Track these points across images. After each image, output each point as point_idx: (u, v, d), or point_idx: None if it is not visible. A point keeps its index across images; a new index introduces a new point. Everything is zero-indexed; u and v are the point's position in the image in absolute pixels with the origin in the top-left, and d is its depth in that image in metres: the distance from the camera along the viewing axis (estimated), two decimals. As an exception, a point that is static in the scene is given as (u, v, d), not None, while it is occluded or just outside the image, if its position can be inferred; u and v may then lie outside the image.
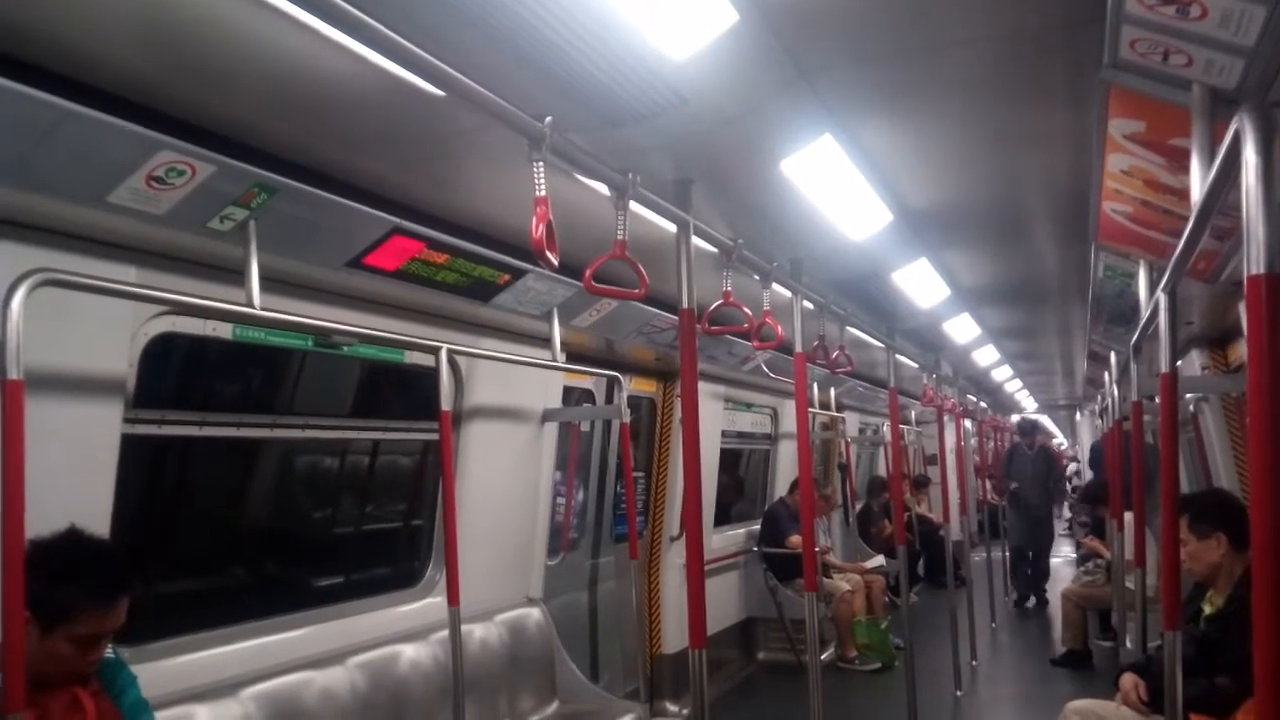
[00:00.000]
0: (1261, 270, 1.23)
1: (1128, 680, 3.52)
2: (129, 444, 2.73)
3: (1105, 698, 3.70)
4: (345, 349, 3.59)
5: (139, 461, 3.05)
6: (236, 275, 2.61)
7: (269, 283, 2.67)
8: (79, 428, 2.53)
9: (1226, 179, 1.49)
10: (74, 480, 2.52)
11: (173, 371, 3.22)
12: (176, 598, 3.52)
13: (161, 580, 3.48)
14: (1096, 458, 8.23)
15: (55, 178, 2.15)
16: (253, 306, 2.60)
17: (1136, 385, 4.14)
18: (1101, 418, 9.22)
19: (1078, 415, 20.55)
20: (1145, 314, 3.39)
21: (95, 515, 2.51)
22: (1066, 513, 14.76)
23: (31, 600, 1.90)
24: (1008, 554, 10.55)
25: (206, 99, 2.25)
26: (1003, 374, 12.11)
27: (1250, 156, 1.27)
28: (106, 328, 2.57)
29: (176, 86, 2.17)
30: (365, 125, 2.50)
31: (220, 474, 3.86)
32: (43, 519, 2.03)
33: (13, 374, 1.90)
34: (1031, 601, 10.20)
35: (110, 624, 2.19)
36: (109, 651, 2.30)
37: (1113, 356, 6.13)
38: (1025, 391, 16.16)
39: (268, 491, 4.14)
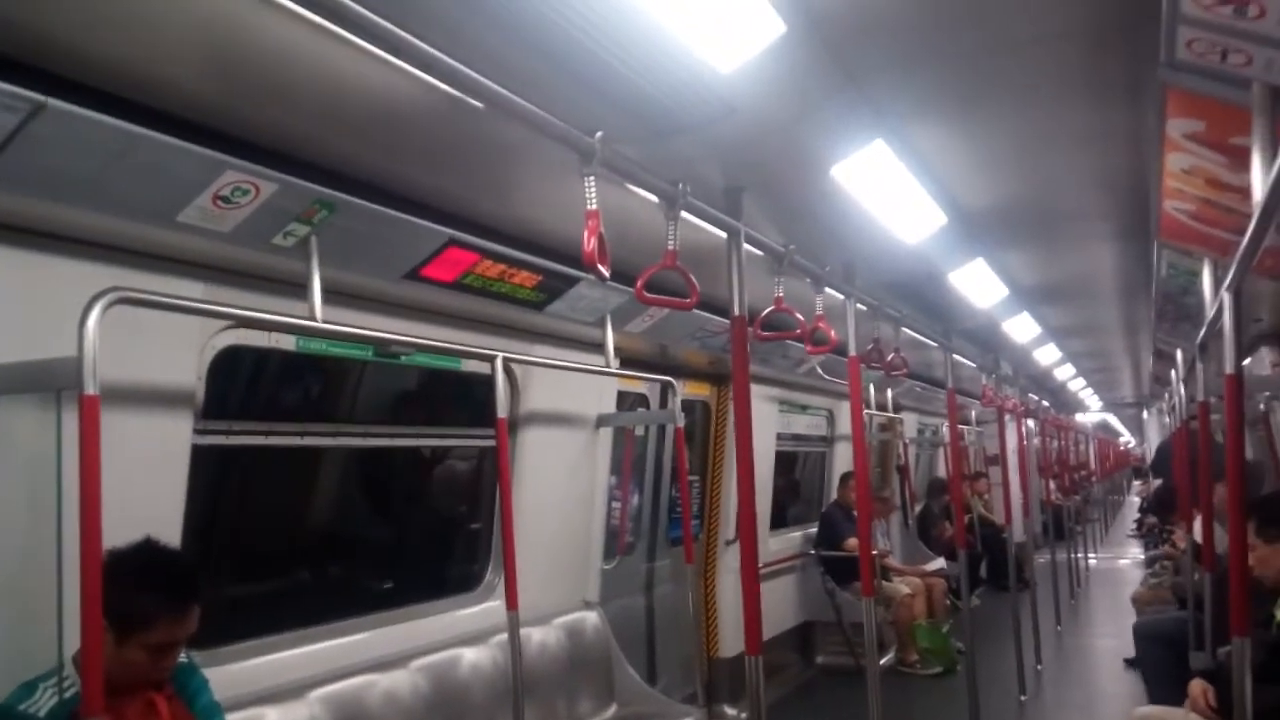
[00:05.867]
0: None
1: (1196, 687, 3.44)
2: (198, 454, 2.82)
3: (1174, 704, 3.62)
4: (403, 358, 3.66)
5: (207, 470, 3.15)
6: (299, 289, 2.68)
7: (330, 295, 2.73)
8: (152, 440, 2.62)
9: (1288, 179, 1.46)
10: (147, 491, 2.61)
11: (239, 383, 3.32)
12: (246, 602, 3.62)
13: (231, 586, 3.59)
14: (1163, 457, 8.01)
15: (127, 199, 2.23)
16: (315, 319, 2.66)
17: (1203, 385, 4.04)
18: (1169, 416, 8.98)
19: (1144, 413, 20.02)
20: (1210, 312, 3.31)
21: (167, 525, 2.59)
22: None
23: (108, 610, 1.93)
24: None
25: (268, 120, 2.32)
26: (1065, 373, 11.87)
27: (1311, 158, 1.23)
28: (176, 342, 2.66)
29: (239, 108, 2.24)
30: (420, 141, 2.55)
31: (285, 480, 3.96)
32: (118, 530, 2.10)
33: (89, 389, 1.96)
34: None
35: (183, 632, 2.26)
36: (182, 656, 2.37)
37: (1179, 354, 5.97)
38: (1089, 390, 15.82)
39: (331, 497, 4.24)
